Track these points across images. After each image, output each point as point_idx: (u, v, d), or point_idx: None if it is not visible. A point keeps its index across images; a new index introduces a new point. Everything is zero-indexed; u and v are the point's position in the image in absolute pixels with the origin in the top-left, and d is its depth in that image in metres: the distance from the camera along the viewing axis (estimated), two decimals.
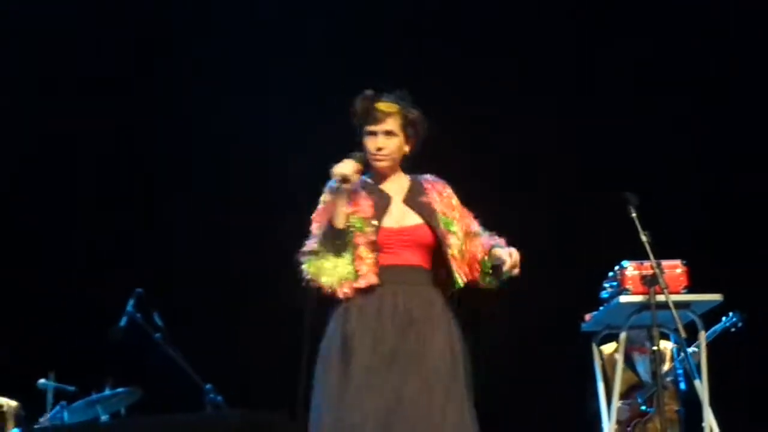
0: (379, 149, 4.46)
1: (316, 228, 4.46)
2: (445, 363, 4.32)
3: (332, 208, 4.40)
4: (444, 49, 8.40)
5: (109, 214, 8.55)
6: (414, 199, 4.51)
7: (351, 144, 4.48)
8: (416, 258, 4.44)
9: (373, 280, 4.35)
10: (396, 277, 4.39)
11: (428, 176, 4.61)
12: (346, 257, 4.38)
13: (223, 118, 8.40)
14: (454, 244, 4.45)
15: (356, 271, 4.36)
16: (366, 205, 4.44)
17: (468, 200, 4.62)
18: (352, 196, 4.43)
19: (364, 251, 4.37)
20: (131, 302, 6.54)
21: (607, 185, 6.35)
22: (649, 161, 8.16)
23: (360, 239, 4.38)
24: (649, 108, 8.29)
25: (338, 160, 4.38)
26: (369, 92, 4.50)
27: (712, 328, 6.67)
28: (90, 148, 8.62)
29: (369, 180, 4.53)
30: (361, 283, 4.35)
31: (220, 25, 8.54)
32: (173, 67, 8.51)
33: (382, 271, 4.38)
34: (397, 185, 4.55)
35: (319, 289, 4.39)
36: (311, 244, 4.43)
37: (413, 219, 4.47)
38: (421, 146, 4.54)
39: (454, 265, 4.43)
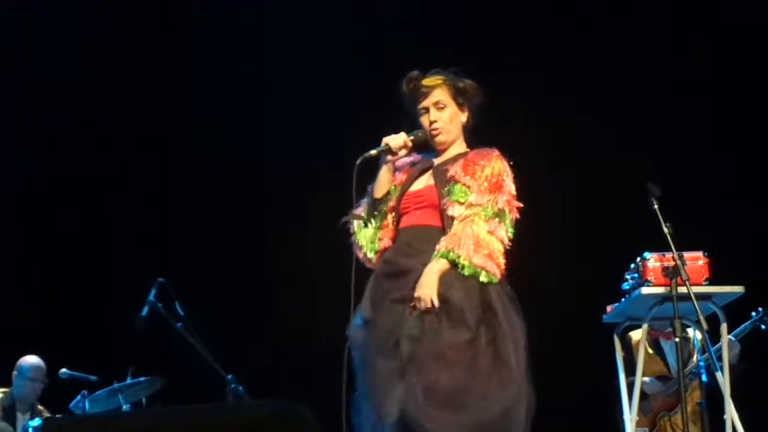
0: (432, 122, 4.47)
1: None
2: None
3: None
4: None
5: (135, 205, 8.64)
6: (442, 166, 4.48)
7: None
8: (433, 219, 4.38)
9: (387, 244, 4.42)
10: (407, 237, 4.39)
11: (484, 148, 4.51)
12: (378, 225, 4.45)
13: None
14: (454, 213, 4.32)
15: (380, 239, 4.43)
16: (407, 175, 4.49)
17: None
18: (400, 168, 4.47)
19: (390, 218, 4.44)
20: (153, 292, 6.54)
21: (631, 176, 6.30)
22: (672, 151, 8.14)
23: (389, 206, 4.45)
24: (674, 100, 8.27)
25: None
26: (414, 73, 4.52)
27: (741, 326, 6.65)
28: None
29: (430, 156, 4.55)
30: (379, 248, 4.43)
31: None
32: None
33: (399, 233, 4.42)
34: (449, 156, 4.52)
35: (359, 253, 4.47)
36: (358, 209, 4.50)
37: (429, 181, 4.46)
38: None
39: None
